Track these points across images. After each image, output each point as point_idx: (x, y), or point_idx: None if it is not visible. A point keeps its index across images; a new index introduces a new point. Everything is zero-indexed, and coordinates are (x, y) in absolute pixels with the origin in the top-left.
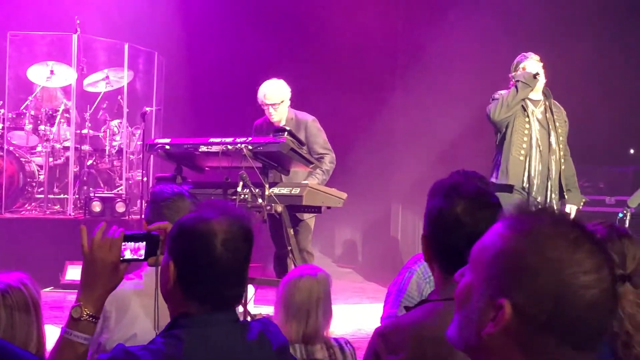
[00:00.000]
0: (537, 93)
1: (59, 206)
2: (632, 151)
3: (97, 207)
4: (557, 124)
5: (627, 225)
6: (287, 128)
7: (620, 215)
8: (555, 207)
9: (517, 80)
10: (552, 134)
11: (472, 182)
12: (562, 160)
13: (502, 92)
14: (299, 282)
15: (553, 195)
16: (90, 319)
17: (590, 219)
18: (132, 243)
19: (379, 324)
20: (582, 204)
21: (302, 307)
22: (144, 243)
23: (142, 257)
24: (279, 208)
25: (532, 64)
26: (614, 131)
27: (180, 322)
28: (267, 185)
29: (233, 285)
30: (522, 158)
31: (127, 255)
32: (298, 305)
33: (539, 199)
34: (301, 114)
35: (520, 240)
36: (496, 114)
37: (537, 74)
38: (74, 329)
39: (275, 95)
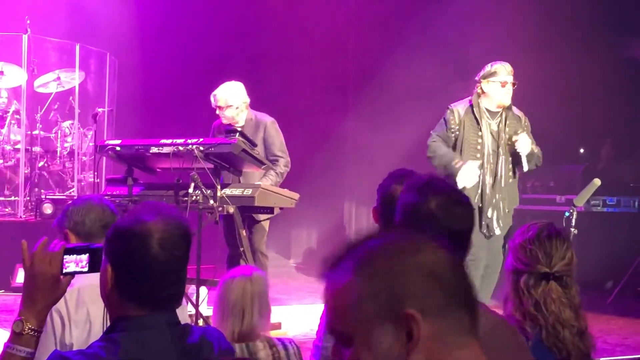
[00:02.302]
0: (494, 104)
1: (9, 208)
2: (582, 150)
3: (48, 209)
4: (507, 136)
5: (573, 224)
6: (239, 129)
7: (567, 214)
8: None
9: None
10: (501, 148)
11: (444, 180)
12: (510, 167)
13: (435, 135)
14: (233, 282)
15: (501, 209)
16: (32, 332)
17: (541, 218)
18: (74, 256)
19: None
20: None
21: (236, 306)
22: (87, 255)
23: (86, 270)
24: (231, 209)
25: (496, 91)
26: (564, 131)
27: (119, 325)
28: (218, 187)
29: (171, 285)
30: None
31: (69, 268)
32: (232, 304)
33: (489, 214)
34: (261, 114)
35: (367, 264)
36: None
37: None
38: (17, 343)
39: (222, 97)
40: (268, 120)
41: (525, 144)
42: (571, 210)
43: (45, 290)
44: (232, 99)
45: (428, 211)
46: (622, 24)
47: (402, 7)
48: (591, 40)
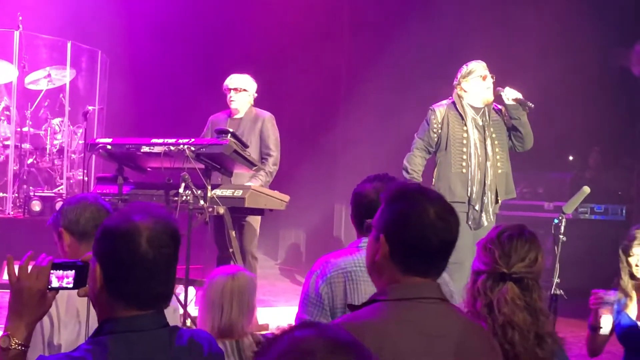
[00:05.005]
0: (479, 100)
1: None
2: (571, 158)
3: (36, 206)
4: (492, 128)
5: (562, 231)
6: (231, 130)
7: (556, 221)
8: None
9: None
10: (488, 140)
11: (431, 189)
12: (499, 164)
13: (418, 139)
14: (214, 280)
15: (488, 200)
16: (19, 347)
17: (529, 224)
18: (60, 271)
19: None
20: None
21: (215, 302)
22: (73, 272)
23: (71, 286)
24: (221, 210)
25: (478, 86)
26: (554, 138)
27: (106, 327)
28: (209, 187)
29: (159, 284)
30: (464, 171)
31: (55, 283)
32: (212, 301)
33: (477, 207)
34: (260, 110)
35: None
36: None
37: None
38: (4, 358)
39: (237, 80)
40: (267, 115)
41: (512, 90)
42: (560, 217)
43: (32, 305)
44: (248, 85)
45: (428, 220)
46: (612, 34)
47: (395, 13)
48: (581, 49)
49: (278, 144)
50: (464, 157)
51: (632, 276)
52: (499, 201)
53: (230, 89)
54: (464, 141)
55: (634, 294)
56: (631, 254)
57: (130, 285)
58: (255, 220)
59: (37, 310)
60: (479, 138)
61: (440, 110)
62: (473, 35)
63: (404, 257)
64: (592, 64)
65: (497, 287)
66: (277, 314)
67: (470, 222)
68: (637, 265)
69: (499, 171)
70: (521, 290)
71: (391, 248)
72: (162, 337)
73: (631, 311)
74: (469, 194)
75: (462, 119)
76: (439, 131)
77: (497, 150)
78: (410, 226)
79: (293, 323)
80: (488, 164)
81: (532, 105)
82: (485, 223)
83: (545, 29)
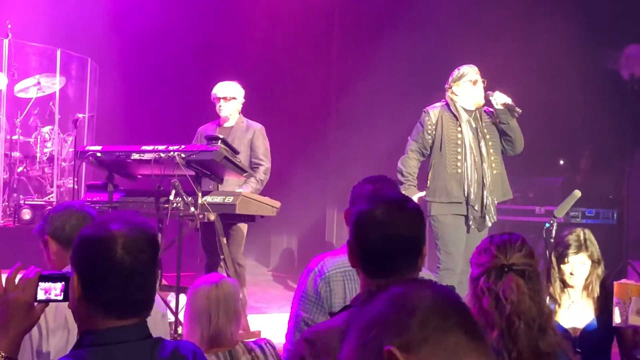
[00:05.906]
0: (470, 104)
1: None
2: (561, 162)
3: (26, 214)
4: (486, 130)
5: (553, 234)
6: (221, 136)
7: (547, 225)
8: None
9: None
10: (482, 142)
11: (393, 188)
12: (493, 166)
13: (412, 141)
14: (199, 289)
15: (488, 202)
16: None
17: (520, 229)
18: (49, 283)
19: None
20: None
21: (202, 312)
22: (62, 283)
23: (61, 298)
24: (212, 217)
25: (468, 90)
26: (544, 142)
27: (86, 339)
28: (199, 194)
29: (137, 290)
30: (459, 171)
31: (41, 296)
32: (199, 310)
33: (476, 207)
34: (251, 121)
35: None
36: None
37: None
38: None
39: (227, 89)
40: (258, 126)
41: (502, 95)
42: (551, 222)
43: (18, 317)
44: (237, 93)
45: (374, 218)
46: (602, 37)
47: (385, 21)
48: (571, 53)
49: (268, 154)
50: (459, 157)
51: (563, 283)
52: (496, 202)
53: (219, 98)
54: (459, 142)
55: (563, 301)
56: (566, 261)
57: (108, 292)
58: (242, 228)
59: (24, 322)
60: (473, 139)
61: (434, 112)
62: (464, 42)
63: (363, 260)
64: (581, 68)
65: (499, 280)
66: (269, 320)
67: (471, 223)
68: (572, 274)
69: (494, 172)
70: (524, 280)
71: (355, 251)
72: (143, 350)
73: (560, 318)
74: (465, 194)
75: (457, 120)
76: (433, 133)
77: (491, 151)
78: (358, 227)
79: (286, 325)
80: (484, 165)
81: (520, 111)
82: (489, 224)
83: (534, 34)
